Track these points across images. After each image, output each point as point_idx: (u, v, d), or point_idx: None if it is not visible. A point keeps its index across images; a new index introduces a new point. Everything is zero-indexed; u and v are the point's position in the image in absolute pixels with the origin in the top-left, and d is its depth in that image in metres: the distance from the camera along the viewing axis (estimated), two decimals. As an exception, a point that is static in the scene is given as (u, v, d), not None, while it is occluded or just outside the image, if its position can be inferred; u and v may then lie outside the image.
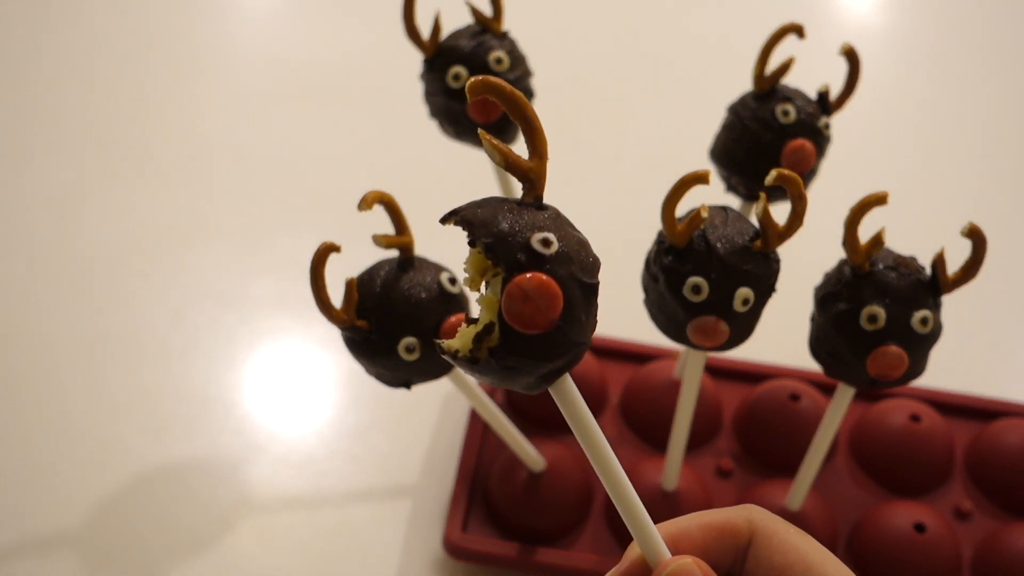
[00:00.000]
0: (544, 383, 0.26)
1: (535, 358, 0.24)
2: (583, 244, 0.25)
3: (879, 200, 0.40)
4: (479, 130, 0.25)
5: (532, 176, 0.25)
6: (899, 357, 0.41)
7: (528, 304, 0.23)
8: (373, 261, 0.43)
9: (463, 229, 0.24)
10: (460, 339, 0.25)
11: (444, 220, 0.25)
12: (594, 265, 0.25)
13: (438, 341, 0.25)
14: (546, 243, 0.24)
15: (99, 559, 0.52)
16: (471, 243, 0.24)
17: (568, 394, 0.26)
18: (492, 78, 0.24)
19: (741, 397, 0.58)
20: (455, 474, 0.53)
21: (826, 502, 0.53)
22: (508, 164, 0.25)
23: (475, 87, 0.24)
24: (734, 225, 0.40)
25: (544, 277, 0.24)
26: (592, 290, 0.25)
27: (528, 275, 0.24)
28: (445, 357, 0.25)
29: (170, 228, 0.69)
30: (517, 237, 0.24)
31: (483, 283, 0.25)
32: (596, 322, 0.26)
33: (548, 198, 0.26)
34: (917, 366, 0.42)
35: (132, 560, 0.53)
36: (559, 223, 0.25)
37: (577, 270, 0.24)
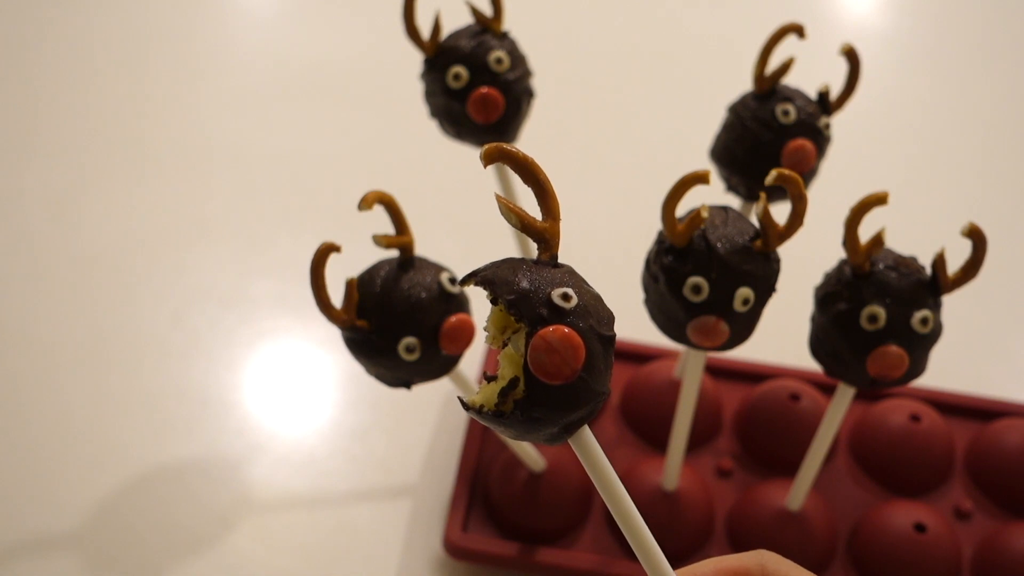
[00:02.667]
0: (566, 434, 0.27)
1: (559, 408, 0.25)
2: (598, 299, 0.26)
3: (879, 200, 0.40)
4: (495, 193, 0.26)
5: (547, 236, 0.26)
6: (899, 357, 0.41)
7: (553, 355, 0.25)
8: (373, 261, 0.43)
9: (484, 289, 0.25)
10: (483, 395, 0.26)
11: (464, 282, 0.26)
12: (610, 318, 0.26)
13: (460, 397, 0.26)
14: (566, 297, 0.25)
15: (99, 559, 0.52)
16: (493, 301, 0.26)
17: (588, 445, 0.27)
18: (505, 145, 0.25)
19: (741, 397, 0.58)
20: (455, 474, 0.53)
21: (826, 502, 0.53)
22: (524, 226, 0.26)
23: (490, 153, 0.25)
24: (734, 225, 0.40)
25: (566, 329, 0.25)
26: (610, 342, 0.26)
27: (551, 328, 0.25)
28: (470, 413, 0.26)
29: (170, 228, 0.69)
30: (538, 293, 0.25)
31: (504, 340, 0.26)
32: (612, 374, 0.27)
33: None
34: (917, 366, 0.42)
35: (132, 560, 0.53)
36: (575, 279, 0.26)
37: (595, 323, 0.26)
